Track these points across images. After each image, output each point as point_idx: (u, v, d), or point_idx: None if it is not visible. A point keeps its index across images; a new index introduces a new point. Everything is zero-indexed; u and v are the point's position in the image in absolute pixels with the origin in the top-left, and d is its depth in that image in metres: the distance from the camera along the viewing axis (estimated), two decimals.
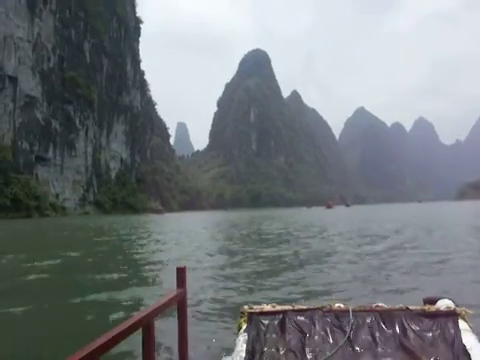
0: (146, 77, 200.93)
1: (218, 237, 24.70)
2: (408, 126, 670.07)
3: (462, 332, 2.49)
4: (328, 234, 23.30)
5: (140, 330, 1.75)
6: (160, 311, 1.95)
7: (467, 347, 2.37)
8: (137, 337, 1.76)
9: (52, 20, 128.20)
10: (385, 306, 2.81)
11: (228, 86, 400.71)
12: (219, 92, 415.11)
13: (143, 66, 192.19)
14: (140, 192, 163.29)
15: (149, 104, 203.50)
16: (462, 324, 2.57)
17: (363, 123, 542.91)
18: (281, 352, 2.53)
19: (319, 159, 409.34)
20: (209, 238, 24.49)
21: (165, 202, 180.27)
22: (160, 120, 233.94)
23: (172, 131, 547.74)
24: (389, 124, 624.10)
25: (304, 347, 2.55)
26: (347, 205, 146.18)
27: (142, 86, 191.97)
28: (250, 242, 19.70)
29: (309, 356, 2.48)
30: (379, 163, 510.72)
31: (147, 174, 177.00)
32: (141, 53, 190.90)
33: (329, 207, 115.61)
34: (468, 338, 2.45)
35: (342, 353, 2.48)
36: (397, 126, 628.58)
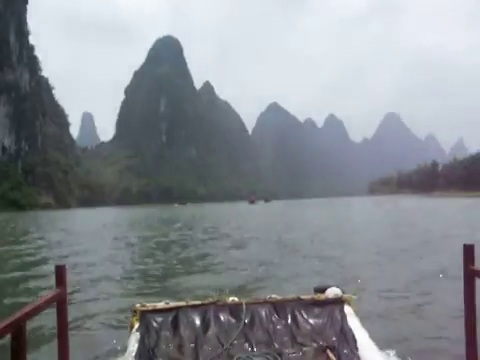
0: (38, 55, 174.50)
1: None
2: (321, 123, 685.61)
3: (348, 317, 2.74)
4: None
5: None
6: (34, 314, 1.69)
7: (352, 330, 2.62)
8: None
9: None
10: (278, 297, 2.93)
11: (137, 74, 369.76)
12: (128, 80, 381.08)
13: (37, 43, 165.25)
14: (27, 185, 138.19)
15: (41, 86, 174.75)
16: (348, 309, 2.81)
17: (275, 119, 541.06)
18: (175, 349, 2.50)
19: (231, 154, 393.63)
20: None
21: (60, 197, 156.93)
22: (57, 106, 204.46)
23: (78, 122, 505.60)
24: (302, 120, 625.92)
25: (198, 342, 2.54)
26: (266, 201, 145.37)
27: (32, 64, 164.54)
28: None
29: (203, 351, 2.47)
30: (290, 159, 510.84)
31: (37, 165, 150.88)
32: (33, 26, 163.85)
33: (252, 202, 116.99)
34: (353, 322, 2.71)
35: (237, 346, 2.53)
36: (309, 123, 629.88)
